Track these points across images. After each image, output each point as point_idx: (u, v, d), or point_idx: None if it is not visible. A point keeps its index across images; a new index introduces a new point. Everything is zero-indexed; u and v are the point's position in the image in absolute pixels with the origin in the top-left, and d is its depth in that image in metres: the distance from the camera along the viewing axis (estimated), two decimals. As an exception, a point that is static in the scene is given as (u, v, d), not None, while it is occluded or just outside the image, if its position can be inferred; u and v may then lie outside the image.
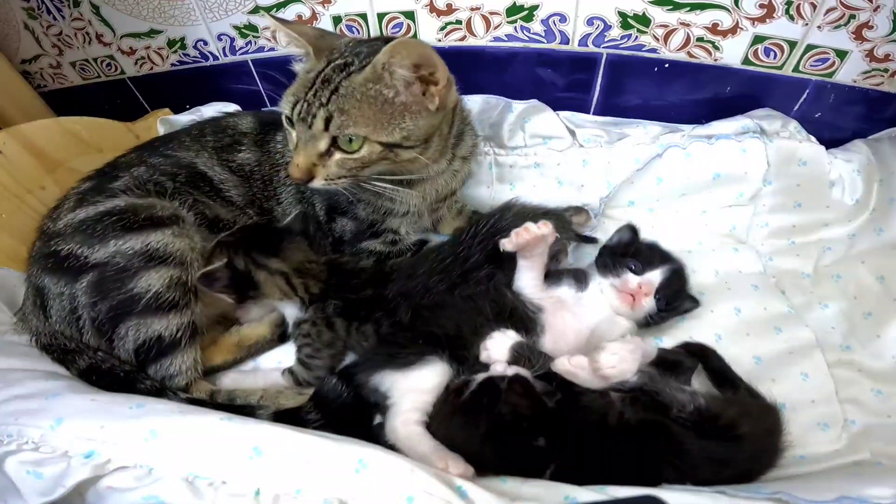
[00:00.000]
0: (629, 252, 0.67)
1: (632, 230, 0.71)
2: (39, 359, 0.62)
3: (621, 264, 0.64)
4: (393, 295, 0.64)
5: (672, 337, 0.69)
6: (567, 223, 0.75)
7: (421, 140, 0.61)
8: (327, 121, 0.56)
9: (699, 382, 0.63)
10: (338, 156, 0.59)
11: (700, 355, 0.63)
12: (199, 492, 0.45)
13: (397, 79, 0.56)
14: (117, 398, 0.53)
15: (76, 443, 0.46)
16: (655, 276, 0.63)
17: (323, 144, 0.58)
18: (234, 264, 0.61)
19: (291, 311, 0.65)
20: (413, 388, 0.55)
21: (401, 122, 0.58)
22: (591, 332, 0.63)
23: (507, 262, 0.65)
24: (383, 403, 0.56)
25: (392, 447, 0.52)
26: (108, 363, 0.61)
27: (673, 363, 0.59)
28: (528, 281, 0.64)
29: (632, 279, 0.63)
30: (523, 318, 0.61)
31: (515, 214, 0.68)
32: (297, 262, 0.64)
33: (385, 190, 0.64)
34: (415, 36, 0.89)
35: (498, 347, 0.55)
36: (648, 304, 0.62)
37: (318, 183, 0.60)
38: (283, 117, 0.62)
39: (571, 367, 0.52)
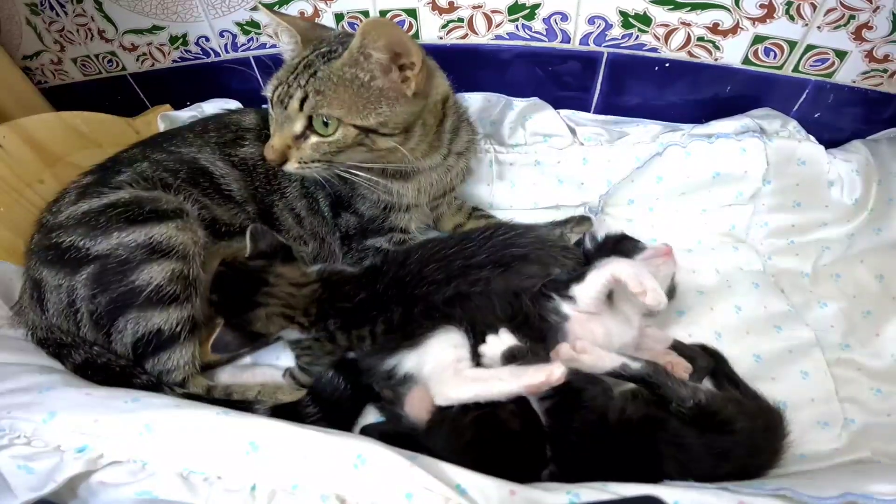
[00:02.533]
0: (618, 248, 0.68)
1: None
2: (34, 353, 0.61)
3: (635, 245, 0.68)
4: (384, 287, 0.62)
5: (673, 335, 0.69)
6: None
7: (400, 128, 0.60)
8: (302, 101, 0.57)
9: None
10: (313, 139, 0.59)
11: (712, 358, 0.63)
12: (194, 487, 0.44)
13: (373, 63, 0.56)
14: (112, 392, 0.52)
15: (69, 437, 0.46)
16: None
17: (298, 126, 0.58)
18: (231, 324, 0.59)
19: (291, 334, 0.63)
20: (445, 346, 0.54)
21: (377, 106, 0.57)
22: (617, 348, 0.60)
23: (511, 274, 0.63)
24: (401, 387, 0.55)
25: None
26: (104, 357, 0.61)
27: (688, 358, 0.58)
28: (589, 293, 0.58)
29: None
30: (539, 328, 0.59)
31: (536, 238, 0.67)
32: (283, 295, 0.60)
33: (366, 181, 0.63)
34: (416, 34, 0.89)
35: (491, 352, 0.54)
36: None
37: (291, 166, 0.60)
38: (269, 101, 0.62)
39: (574, 352, 0.51)
